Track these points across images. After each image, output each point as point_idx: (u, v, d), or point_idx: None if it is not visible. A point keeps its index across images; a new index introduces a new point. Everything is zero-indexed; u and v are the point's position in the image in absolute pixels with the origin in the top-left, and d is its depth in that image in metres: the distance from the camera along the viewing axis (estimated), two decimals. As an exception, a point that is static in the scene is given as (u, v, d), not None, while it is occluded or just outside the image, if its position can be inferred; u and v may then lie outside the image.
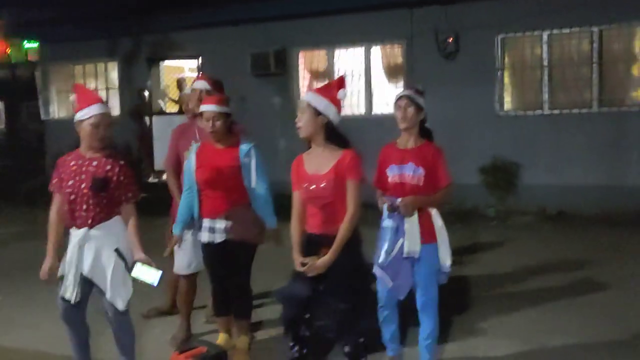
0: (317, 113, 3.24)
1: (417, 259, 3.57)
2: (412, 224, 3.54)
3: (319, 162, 3.27)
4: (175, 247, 4.44)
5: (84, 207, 3.53)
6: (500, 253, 6.92)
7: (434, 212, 3.63)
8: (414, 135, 3.67)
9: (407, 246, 3.54)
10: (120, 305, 3.57)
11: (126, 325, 3.68)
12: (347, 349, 3.28)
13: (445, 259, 3.63)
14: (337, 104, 3.31)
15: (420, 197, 3.52)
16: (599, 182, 8.59)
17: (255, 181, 4.05)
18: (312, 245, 3.26)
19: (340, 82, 3.36)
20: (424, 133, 3.75)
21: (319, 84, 10.68)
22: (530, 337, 4.38)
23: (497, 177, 8.97)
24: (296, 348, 3.35)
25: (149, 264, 3.50)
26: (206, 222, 4.10)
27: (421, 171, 3.56)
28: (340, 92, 3.31)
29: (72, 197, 3.55)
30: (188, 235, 4.34)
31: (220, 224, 4.06)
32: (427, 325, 3.67)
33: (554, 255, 6.65)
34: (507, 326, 4.63)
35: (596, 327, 4.54)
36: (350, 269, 3.20)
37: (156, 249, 6.73)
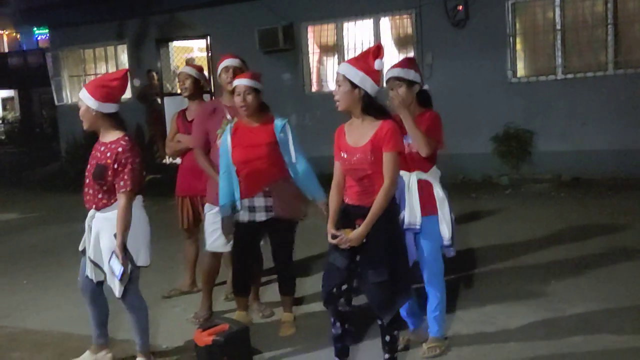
0: (354, 86, 3.17)
1: (419, 232, 3.58)
2: (412, 195, 3.55)
3: (359, 133, 3.22)
4: (208, 226, 4.44)
5: (91, 191, 3.65)
6: (515, 222, 6.89)
7: (436, 184, 3.62)
8: (412, 107, 3.62)
9: (407, 218, 3.55)
10: (116, 291, 3.61)
11: (133, 305, 3.71)
12: (383, 322, 3.28)
13: (445, 231, 3.60)
14: (374, 75, 3.20)
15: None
16: (615, 147, 8.48)
17: (295, 156, 4.06)
18: (348, 216, 3.24)
19: (377, 51, 3.23)
20: (423, 99, 3.71)
21: (328, 59, 10.66)
22: (549, 305, 4.37)
23: (511, 145, 8.89)
24: (338, 324, 3.35)
25: (118, 258, 3.52)
26: (245, 202, 4.08)
27: None
28: (377, 63, 3.20)
29: (87, 180, 3.66)
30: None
31: (260, 202, 4.07)
32: (433, 298, 3.69)
33: (570, 223, 6.60)
34: (525, 294, 4.62)
35: (616, 294, 4.50)
36: (386, 241, 3.17)
37: (169, 230, 6.82)
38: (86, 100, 3.59)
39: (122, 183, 3.55)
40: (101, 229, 3.61)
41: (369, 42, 10.12)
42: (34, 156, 14.80)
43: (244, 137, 4.07)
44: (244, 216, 4.11)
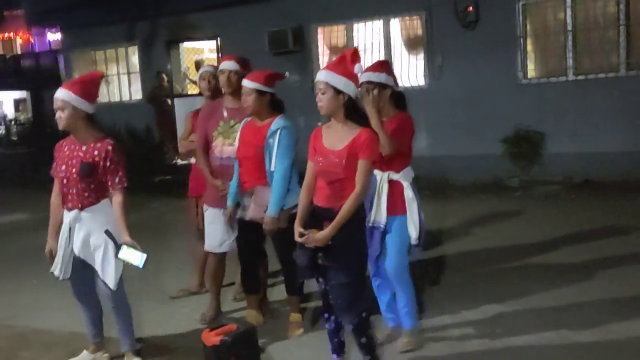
0: (338, 92, 3.21)
1: (386, 230, 3.67)
2: (381, 195, 3.65)
3: (337, 137, 3.26)
4: (208, 225, 4.50)
5: (74, 190, 3.67)
6: (525, 223, 6.86)
7: (406, 184, 3.70)
8: (386, 108, 3.71)
9: (374, 216, 3.67)
10: (111, 284, 3.68)
11: (120, 303, 3.79)
12: (352, 323, 3.30)
13: (412, 231, 3.68)
14: (355, 79, 3.28)
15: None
16: (627, 149, 8.40)
17: (274, 164, 3.98)
18: (316, 217, 3.28)
19: (354, 56, 3.28)
20: (399, 101, 3.78)
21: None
22: (557, 307, 4.35)
23: (521, 147, 8.83)
24: (332, 318, 3.41)
25: (135, 247, 3.57)
26: (241, 199, 4.18)
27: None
28: (357, 67, 3.26)
29: (65, 181, 3.69)
30: (221, 214, 4.38)
31: (248, 201, 4.11)
32: (401, 294, 3.78)
33: (580, 225, 6.55)
34: (533, 296, 4.60)
35: (625, 297, 4.47)
36: (351, 244, 3.22)
37: (177, 230, 6.83)
38: (72, 100, 3.62)
39: (117, 180, 3.66)
40: (91, 227, 3.67)
41: (379, 44, 10.12)
42: (45, 157, 14.90)
43: (247, 134, 4.11)
44: (238, 213, 4.18)
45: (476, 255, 5.77)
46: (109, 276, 3.68)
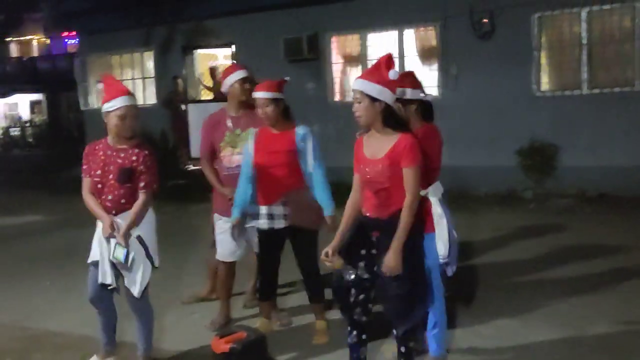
0: (374, 100, 3.18)
1: None
2: None
3: (377, 146, 3.23)
4: (219, 234, 4.52)
5: (110, 197, 3.67)
6: (538, 236, 6.81)
7: (435, 201, 3.54)
8: (412, 122, 3.58)
9: None
10: (135, 291, 3.68)
11: (143, 310, 3.79)
12: (397, 333, 3.29)
13: (441, 249, 3.53)
14: (391, 86, 3.22)
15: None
16: (641, 163, 8.36)
17: (312, 165, 4.07)
18: (365, 228, 3.26)
19: (388, 62, 3.25)
20: (425, 112, 3.69)
21: (352, 69, 10.68)
22: (570, 323, 4.32)
23: (535, 159, 8.81)
24: (354, 332, 3.37)
25: (121, 244, 3.59)
26: (264, 209, 4.12)
27: None
28: (391, 73, 3.21)
29: (100, 186, 3.69)
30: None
31: (279, 210, 4.09)
32: (431, 316, 3.66)
33: (594, 239, 6.51)
34: (545, 310, 4.57)
35: (638, 314, 4.43)
36: (408, 254, 3.16)
37: (191, 235, 6.85)
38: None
39: (143, 184, 3.67)
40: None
41: (393, 54, 10.11)
42: (60, 159, 15.05)
43: (266, 142, 4.10)
44: (264, 224, 4.14)
45: (489, 268, 5.74)
46: (134, 283, 3.67)
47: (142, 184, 3.68)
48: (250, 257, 4.74)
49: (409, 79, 3.68)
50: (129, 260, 3.60)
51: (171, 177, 11.24)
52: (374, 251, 3.26)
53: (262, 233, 4.19)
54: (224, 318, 4.60)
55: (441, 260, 3.58)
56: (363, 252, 3.27)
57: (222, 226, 4.48)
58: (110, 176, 3.65)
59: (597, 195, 8.38)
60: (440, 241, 3.55)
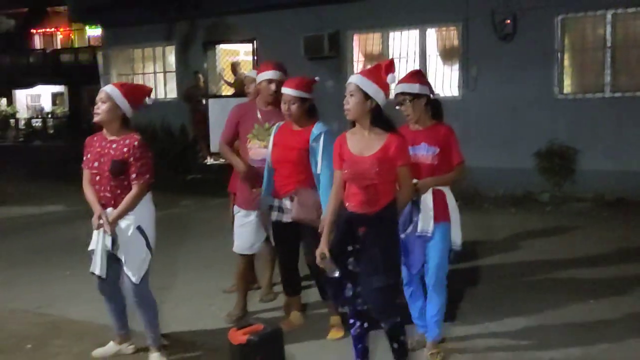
0: (366, 97, 3.25)
1: (431, 238, 3.68)
2: (426, 203, 3.65)
3: (364, 143, 3.29)
4: (237, 227, 4.56)
5: (107, 188, 3.74)
6: (554, 239, 6.79)
7: (448, 192, 3.74)
8: (422, 118, 3.76)
9: (421, 225, 3.66)
10: (135, 278, 3.75)
11: (143, 298, 3.84)
12: (386, 327, 3.34)
13: (456, 237, 3.77)
14: (386, 89, 3.32)
15: (436, 178, 3.66)
16: (662, 168, 8.29)
17: (320, 167, 4.07)
18: (352, 223, 3.31)
19: (389, 66, 3.32)
20: (435, 112, 3.82)
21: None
22: (585, 325, 4.31)
23: (553, 162, 8.76)
24: (358, 323, 3.43)
25: (107, 232, 3.68)
26: (275, 202, 4.20)
27: (435, 150, 3.68)
28: (390, 77, 3.30)
29: (97, 177, 3.78)
30: (252, 216, 4.45)
31: (287, 204, 4.14)
32: (436, 302, 3.78)
33: (611, 243, 6.46)
34: (559, 311, 4.57)
35: (656, 317, 4.42)
36: (386, 247, 3.25)
37: (208, 228, 6.91)
38: (118, 99, 3.75)
39: (134, 175, 3.72)
40: (124, 223, 3.74)
41: (414, 53, 10.13)
42: (80, 151, 15.19)
43: (284, 137, 4.16)
44: (273, 215, 4.22)
45: (503, 268, 5.73)
46: (133, 270, 3.74)
47: (133, 176, 3.72)
48: (266, 251, 4.79)
49: (418, 77, 3.82)
50: (116, 249, 3.71)
51: (190, 171, 11.35)
52: (358, 246, 3.31)
53: (273, 225, 4.27)
54: (240, 311, 4.65)
55: (457, 248, 3.77)
56: (350, 248, 3.32)
57: (241, 219, 4.53)
58: (105, 168, 3.73)
59: (615, 200, 8.31)
60: (456, 230, 3.76)
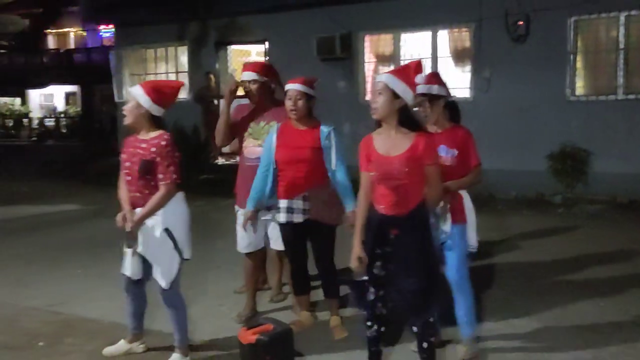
0: (395, 96, 3.21)
1: (449, 239, 3.69)
2: (444, 205, 3.64)
3: (391, 143, 3.25)
4: (238, 226, 4.58)
5: (137, 188, 3.72)
6: (566, 241, 6.77)
7: (465, 194, 3.78)
8: (440, 120, 3.79)
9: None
10: (164, 283, 3.73)
11: (173, 300, 3.83)
12: (416, 329, 3.32)
13: (472, 239, 3.81)
14: (414, 89, 3.30)
15: (457, 181, 3.67)
16: (675, 171, 8.22)
17: (335, 164, 4.11)
18: (383, 226, 3.28)
19: (418, 66, 3.31)
20: (453, 114, 3.85)
21: (384, 69, 10.68)
22: (595, 327, 4.30)
23: (566, 164, 8.72)
24: (375, 327, 3.39)
25: (131, 234, 3.69)
26: (283, 203, 4.16)
27: (454, 152, 3.69)
28: (419, 77, 3.30)
29: (129, 178, 3.76)
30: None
31: (298, 204, 4.14)
32: (463, 303, 3.78)
33: (623, 245, 6.43)
34: (572, 314, 4.56)
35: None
36: (419, 249, 3.21)
37: (219, 229, 6.93)
38: (140, 97, 3.72)
39: (161, 176, 3.68)
40: (154, 223, 3.69)
41: (426, 54, 10.10)
42: (93, 150, 15.33)
43: (290, 138, 4.15)
44: (282, 217, 4.18)
45: (515, 270, 5.72)
46: (161, 274, 3.72)
47: (160, 176, 3.67)
48: (274, 251, 4.80)
49: (436, 78, 3.84)
50: (141, 250, 3.70)
51: (202, 171, 11.39)
52: (388, 249, 3.27)
53: (282, 227, 4.26)
54: (250, 311, 4.67)
55: (472, 249, 3.79)
56: (379, 251, 3.29)
57: (241, 218, 4.51)
58: (135, 168, 3.71)
59: (628, 202, 8.27)
60: (473, 231, 3.79)
